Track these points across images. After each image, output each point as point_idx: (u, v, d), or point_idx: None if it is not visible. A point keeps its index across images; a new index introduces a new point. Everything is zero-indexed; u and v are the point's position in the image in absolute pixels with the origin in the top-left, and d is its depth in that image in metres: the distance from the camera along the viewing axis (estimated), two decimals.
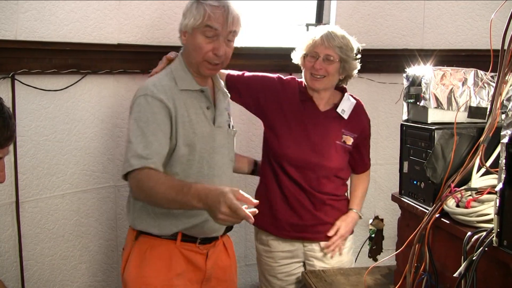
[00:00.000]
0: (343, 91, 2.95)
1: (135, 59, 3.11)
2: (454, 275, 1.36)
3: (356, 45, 2.86)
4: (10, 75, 2.83)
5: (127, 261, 2.42)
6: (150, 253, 2.38)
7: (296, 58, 2.90)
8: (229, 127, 2.57)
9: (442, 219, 1.64)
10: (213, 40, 2.33)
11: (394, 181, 2.42)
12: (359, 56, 2.85)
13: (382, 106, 3.93)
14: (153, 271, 2.37)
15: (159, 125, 2.24)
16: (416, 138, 1.97)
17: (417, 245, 1.63)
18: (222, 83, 2.64)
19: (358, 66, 2.87)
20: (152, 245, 2.39)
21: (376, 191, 3.25)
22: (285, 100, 2.91)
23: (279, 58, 3.68)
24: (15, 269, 2.85)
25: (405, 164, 2.02)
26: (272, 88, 2.94)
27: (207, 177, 2.38)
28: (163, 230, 2.38)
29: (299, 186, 2.88)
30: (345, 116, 2.88)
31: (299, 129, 2.88)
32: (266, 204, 2.88)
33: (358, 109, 2.93)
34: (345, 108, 2.89)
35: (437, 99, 1.93)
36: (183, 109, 2.35)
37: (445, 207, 1.63)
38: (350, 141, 2.89)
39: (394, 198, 2.07)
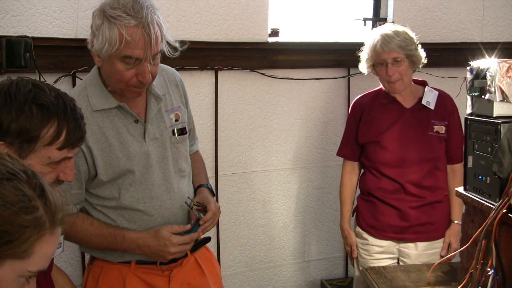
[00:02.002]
0: (423, 84, 3.00)
1: (192, 56, 3.13)
2: None
3: (412, 34, 2.90)
4: (71, 73, 2.88)
5: (85, 287, 2.31)
6: (103, 279, 2.24)
7: (364, 69, 2.99)
8: (174, 133, 2.27)
9: (509, 214, 1.60)
10: (136, 65, 2.01)
11: None
12: (418, 43, 2.90)
13: None
14: None
15: None
16: (481, 132, 1.93)
17: (483, 241, 1.59)
18: (156, 81, 2.22)
19: (423, 52, 2.92)
20: (105, 269, 2.25)
21: None
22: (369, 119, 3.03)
23: (336, 53, 3.67)
24: None
25: (470, 158, 1.97)
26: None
27: (142, 201, 2.18)
28: (114, 258, 2.24)
29: (401, 185, 2.98)
30: (431, 106, 2.95)
31: (392, 133, 2.97)
32: (368, 206, 3.09)
33: (443, 97, 2.99)
34: (429, 99, 2.95)
35: (502, 92, 1.88)
36: (98, 135, 2.13)
37: None
38: (442, 129, 2.94)
39: (458, 193, 2.03)
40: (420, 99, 2.94)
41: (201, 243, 2.36)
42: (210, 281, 2.39)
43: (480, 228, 1.60)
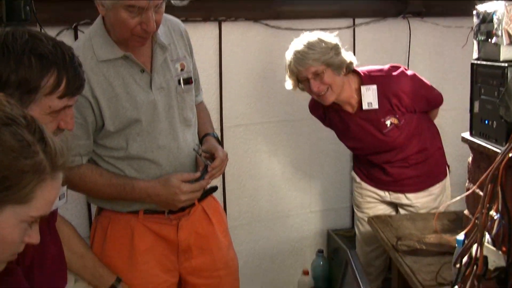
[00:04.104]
0: (362, 78, 2.90)
1: (195, 7, 3.08)
2: None
3: (329, 39, 2.80)
4: (73, 27, 2.85)
5: (93, 238, 2.32)
6: (111, 230, 2.26)
7: (290, 87, 2.90)
8: (179, 83, 2.27)
9: None
10: (140, 14, 2.00)
11: (460, 127, 2.36)
12: (339, 45, 2.82)
13: (447, 50, 3.85)
14: (115, 251, 2.26)
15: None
16: (487, 77, 1.90)
17: (489, 186, 1.58)
18: (161, 31, 2.24)
19: (347, 54, 2.84)
20: (113, 220, 2.27)
21: (442, 137, 3.18)
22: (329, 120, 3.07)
23: (340, 3, 3.62)
24: None
25: (476, 104, 1.95)
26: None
27: (150, 150, 2.20)
28: (122, 208, 2.25)
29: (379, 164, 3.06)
30: (375, 105, 2.86)
31: (350, 139, 3.06)
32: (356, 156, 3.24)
33: (382, 86, 2.88)
34: (370, 99, 2.88)
35: (509, 35, 1.85)
36: (105, 85, 2.13)
37: None
38: (396, 120, 2.88)
39: (464, 139, 2.02)
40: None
41: (208, 192, 2.37)
42: (218, 230, 2.42)
43: (487, 172, 1.58)
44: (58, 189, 1.19)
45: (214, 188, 2.40)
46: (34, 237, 1.20)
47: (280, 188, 3.84)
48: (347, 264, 1.90)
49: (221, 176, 3.52)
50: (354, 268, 1.79)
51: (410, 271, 2.23)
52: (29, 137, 1.11)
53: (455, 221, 2.62)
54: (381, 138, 2.92)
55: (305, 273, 3.98)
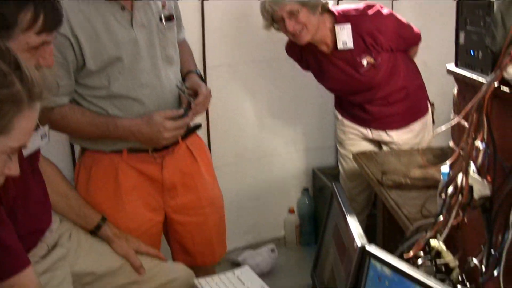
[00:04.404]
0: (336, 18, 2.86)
1: None
2: None
3: None
4: None
5: (77, 179, 2.30)
6: (95, 170, 2.25)
7: (268, 28, 2.88)
8: (161, 20, 2.23)
9: (501, 87, 1.57)
10: None
11: (445, 64, 2.35)
12: None
13: None
14: (100, 190, 2.25)
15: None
16: (473, 7, 1.87)
17: (474, 115, 1.57)
18: None
19: None
20: (97, 160, 2.25)
21: (426, 74, 3.17)
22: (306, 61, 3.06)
23: None
24: None
25: (461, 34, 1.92)
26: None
27: (132, 89, 2.17)
28: (105, 147, 2.24)
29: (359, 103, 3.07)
30: (350, 45, 2.83)
31: (328, 80, 3.04)
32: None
33: (356, 25, 2.85)
34: (344, 38, 2.84)
35: None
36: (84, 23, 2.08)
37: (505, 74, 1.56)
38: (371, 59, 2.85)
39: (449, 71, 1.99)
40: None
41: (192, 130, 2.36)
42: (202, 168, 2.42)
43: (472, 101, 1.57)
44: (36, 119, 1.17)
45: (198, 126, 2.39)
46: (13, 169, 1.18)
47: (265, 128, 3.83)
48: (332, 196, 1.90)
49: (205, 115, 3.50)
50: (339, 199, 1.80)
51: (395, 205, 2.24)
52: (4, 67, 1.08)
53: (439, 156, 2.62)
54: (359, 78, 2.91)
55: (291, 211, 4.02)
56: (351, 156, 3.06)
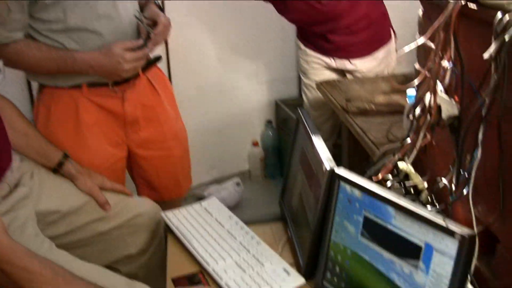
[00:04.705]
0: None
1: None
2: (484, 56, 1.28)
3: None
4: None
5: (37, 117, 2.24)
6: (55, 106, 2.18)
7: None
8: None
9: (469, 4, 1.54)
10: None
11: None
12: None
13: None
14: (61, 127, 2.18)
15: None
16: None
17: (441, 34, 1.54)
18: None
19: None
20: (56, 96, 2.18)
21: (389, 2, 3.13)
22: None
23: None
24: None
25: None
26: None
27: (89, 20, 2.07)
28: (64, 82, 2.16)
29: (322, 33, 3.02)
30: None
31: (291, 7, 2.95)
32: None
33: None
34: None
35: None
36: None
37: None
38: None
39: None
40: None
41: (152, 62, 2.30)
42: (165, 101, 2.37)
43: (439, 19, 1.54)
44: None
45: (158, 58, 2.33)
46: None
47: (226, 60, 3.77)
48: (298, 122, 1.87)
49: (165, 49, 3.42)
50: (306, 124, 1.77)
51: (361, 130, 2.24)
52: None
53: (403, 82, 2.62)
54: (320, 8, 2.85)
55: (255, 144, 4.01)
56: (314, 86, 3.04)
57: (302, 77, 3.26)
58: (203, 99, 3.76)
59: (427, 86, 1.56)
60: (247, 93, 3.93)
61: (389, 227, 1.34)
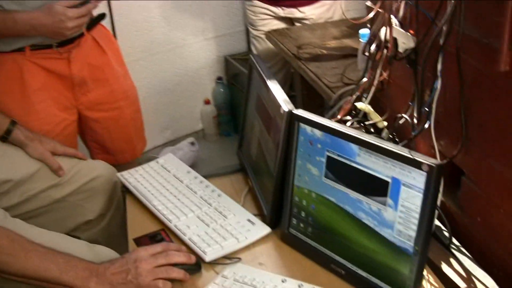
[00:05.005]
0: None
1: None
2: None
3: None
4: None
5: None
6: None
7: None
8: None
9: None
10: None
11: None
12: None
13: None
14: (6, 94, 2.09)
15: None
16: None
17: None
18: None
19: None
20: None
21: None
22: None
23: None
24: None
25: None
26: None
27: None
28: (5, 47, 2.06)
29: None
30: None
31: None
32: None
33: None
34: None
35: None
36: None
37: None
38: None
39: None
40: None
41: (96, 20, 2.21)
42: (112, 59, 2.29)
43: None
44: None
45: (102, 16, 2.24)
46: None
47: (172, 18, 3.68)
48: (251, 68, 1.82)
49: (108, 8, 3.32)
50: (259, 69, 1.72)
51: (315, 76, 2.20)
52: None
53: (353, 26, 2.58)
54: None
55: (207, 102, 3.96)
56: (263, 37, 2.99)
57: (250, 29, 3.21)
58: (150, 59, 3.67)
59: (381, 20, 1.52)
60: (195, 50, 3.85)
61: (354, 165, 1.30)
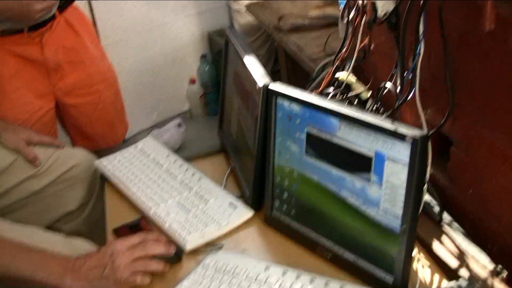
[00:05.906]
0: None
1: None
2: None
3: None
4: None
5: None
6: None
7: None
8: None
9: None
10: None
11: None
12: None
13: None
14: None
15: None
16: None
17: None
18: None
19: None
20: None
21: None
22: None
23: None
24: None
25: None
26: None
27: None
28: None
29: None
30: None
31: None
32: None
33: None
34: None
35: None
36: None
37: None
38: None
39: None
40: None
41: (68, 1, 2.13)
42: (87, 41, 2.22)
43: None
44: None
45: None
46: None
47: None
48: (227, 43, 1.73)
49: None
50: (234, 42, 1.63)
51: (297, 48, 2.12)
52: None
53: None
54: None
55: (192, 81, 3.88)
56: (244, 10, 2.90)
57: (231, 3, 3.12)
58: (131, 40, 3.57)
59: None
60: (177, 28, 3.76)
61: (335, 140, 1.22)
